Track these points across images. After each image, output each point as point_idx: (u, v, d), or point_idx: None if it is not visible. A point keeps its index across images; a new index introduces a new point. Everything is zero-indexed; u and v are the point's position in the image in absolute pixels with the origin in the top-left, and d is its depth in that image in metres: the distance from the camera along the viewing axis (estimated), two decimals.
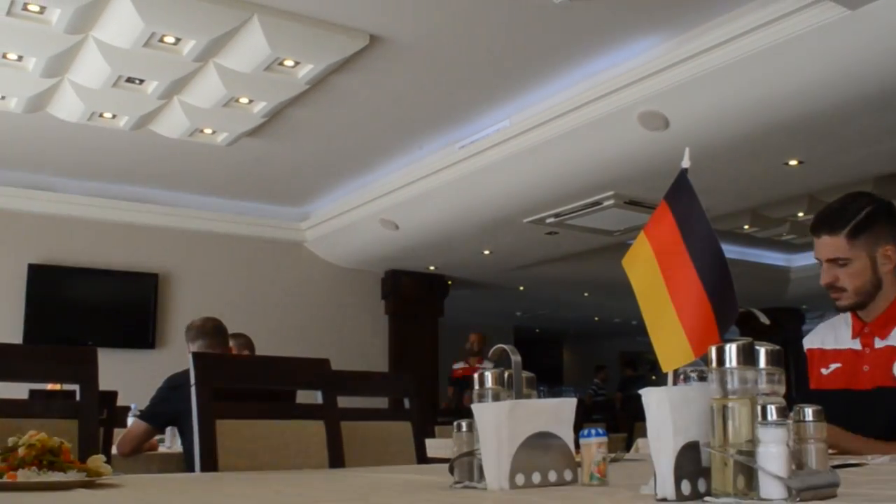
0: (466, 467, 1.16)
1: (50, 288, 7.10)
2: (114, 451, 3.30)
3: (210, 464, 1.81)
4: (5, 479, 1.15)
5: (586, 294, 11.42)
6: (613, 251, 7.68)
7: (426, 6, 4.26)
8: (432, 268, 9.04)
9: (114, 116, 5.49)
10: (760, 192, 6.44)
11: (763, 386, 0.86)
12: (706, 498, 0.86)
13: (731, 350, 0.86)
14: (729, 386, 0.85)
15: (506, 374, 1.18)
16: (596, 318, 14.08)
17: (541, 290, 10.91)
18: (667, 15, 4.44)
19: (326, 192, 7.64)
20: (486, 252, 8.30)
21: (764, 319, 0.96)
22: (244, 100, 5.21)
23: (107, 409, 3.33)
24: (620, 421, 6.48)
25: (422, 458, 2.24)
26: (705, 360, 0.89)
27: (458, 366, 8.77)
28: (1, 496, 1.08)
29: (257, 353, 4.83)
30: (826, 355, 2.19)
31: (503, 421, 1.08)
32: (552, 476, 1.11)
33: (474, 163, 6.18)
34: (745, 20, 4.27)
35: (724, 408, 0.85)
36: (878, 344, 2.08)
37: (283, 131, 5.89)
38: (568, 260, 8.76)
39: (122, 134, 5.82)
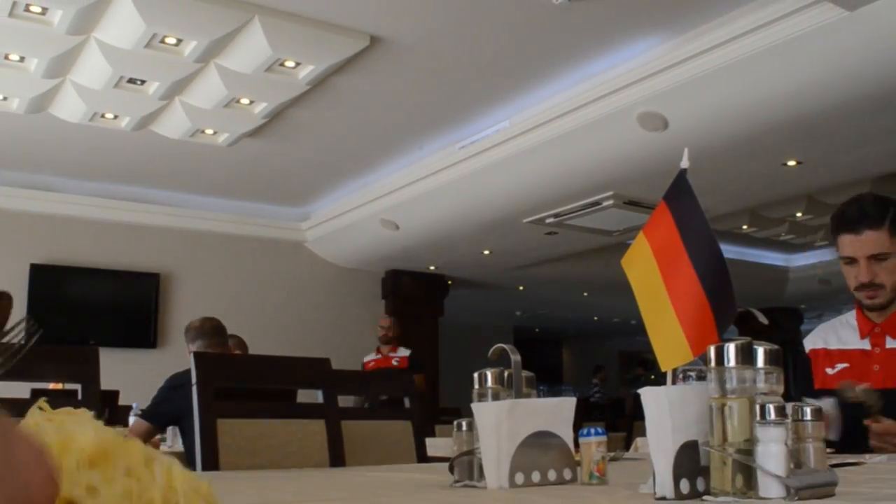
0: (466, 466, 1.16)
1: (52, 288, 7.11)
2: None
3: (211, 463, 1.81)
4: None
5: (586, 294, 11.43)
6: (613, 251, 7.69)
7: (426, 7, 4.27)
8: (432, 268, 9.04)
9: (115, 117, 5.50)
10: (759, 193, 6.44)
11: (761, 385, 0.86)
12: (705, 497, 0.86)
13: (730, 349, 0.86)
14: (727, 385, 0.85)
15: (505, 374, 1.18)
16: (595, 318, 14.09)
17: (540, 289, 10.92)
18: (666, 16, 4.44)
19: (327, 193, 7.65)
20: (486, 252, 8.31)
21: (762, 319, 0.96)
22: (245, 100, 5.21)
23: (108, 409, 3.33)
24: (621, 420, 6.48)
25: (422, 457, 2.25)
26: (704, 359, 0.89)
27: (370, 358, 7.33)
28: None
29: (258, 352, 4.85)
30: (832, 355, 2.18)
31: (503, 420, 1.08)
32: (552, 475, 1.11)
33: (474, 163, 6.19)
34: (743, 21, 4.28)
35: (723, 407, 0.85)
36: (890, 344, 2.08)
37: (284, 132, 5.90)
38: (567, 260, 8.76)
39: (124, 134, 5.83)
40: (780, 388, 0.88)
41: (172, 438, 3.75)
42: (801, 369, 2.25)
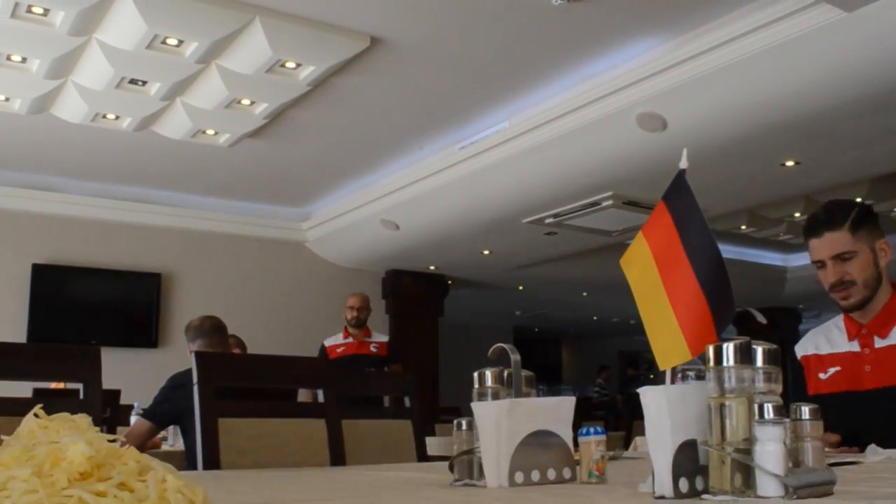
0: (466, 465, 1.16)
1: (53, 288, 7.12)
2: None
3: (212, 462, 1.82)
4: None
5: (585, 294, 11.43)
6: (612, 251, 7.69)
7: (426, 8, 4.27)
8: (432, 268, 9.05)
9: (117, 117, 5.50)
10: (757, 193, 6.45)
11: (760, 384, 0.86)
12: (704, 496, 0.86)
13: (729, 349, 0.86)
14: (726, 384, 0.86)
15: (505, 373, 1.18)
16: (594, 318, 14.09)
17: (540, 289, 10.92)
18: (665, 17, 4.45)
19: (327, 193, 7.65)
20: (486, 252, 8.31)
21: (761, 319, 0.96)
22: (246, 101, 5.22)
23: (110, 408, 3.34)
24: (621, 419, 6.49)
25: (422, 456, 2.25)
26: (703, 358, 0.90)
27: (335, 342, 6.21)
28: None
29: (258, 351, 4.88)
30: (823, 360, 2.19)
31: (503, 419, 1.09)
32: (551, 474, 1.12)
33: (474, 163, 6.19)
34: (742, 22, 4.28)
35: (722, 406, 0.86)
36: (879, 343, 2.09)
37: (285, 132, 5.90)
38: (567, 260, 8.76)
39: (125, 135, 5.83)
40: (779, 388, 0.88)
41: (174, 438, 3.75)
42: (793, 377, 2.25)
